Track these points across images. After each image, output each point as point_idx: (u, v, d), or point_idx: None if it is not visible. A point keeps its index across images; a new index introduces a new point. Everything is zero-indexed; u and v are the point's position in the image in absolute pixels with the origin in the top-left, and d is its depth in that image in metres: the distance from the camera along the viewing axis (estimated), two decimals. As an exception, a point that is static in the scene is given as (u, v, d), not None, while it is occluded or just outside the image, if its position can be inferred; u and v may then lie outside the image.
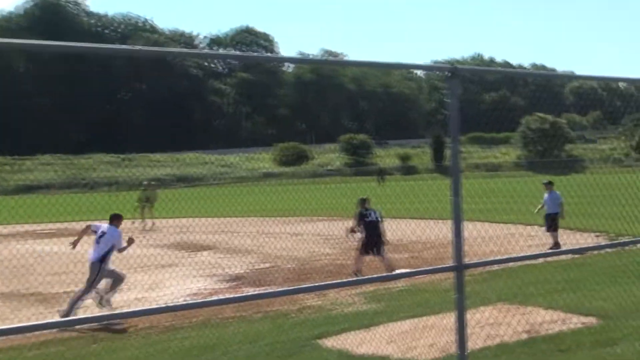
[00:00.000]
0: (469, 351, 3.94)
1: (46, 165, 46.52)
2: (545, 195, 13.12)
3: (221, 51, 49.82)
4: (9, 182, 39.39)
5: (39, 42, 2.83)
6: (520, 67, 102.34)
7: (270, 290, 8.30)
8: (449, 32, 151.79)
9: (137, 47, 3.17)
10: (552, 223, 12.68)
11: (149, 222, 19.27)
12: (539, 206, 13.25)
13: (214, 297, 8.41)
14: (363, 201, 10.98)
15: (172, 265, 11.71)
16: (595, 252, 10.52)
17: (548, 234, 12.79)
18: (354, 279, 8.00)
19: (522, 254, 8.01)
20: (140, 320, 7.43)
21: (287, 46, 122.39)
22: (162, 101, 64.33)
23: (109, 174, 40.21)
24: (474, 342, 5.78)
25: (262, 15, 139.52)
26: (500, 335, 6.44)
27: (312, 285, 4.80)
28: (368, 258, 10.71)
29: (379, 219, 10.84)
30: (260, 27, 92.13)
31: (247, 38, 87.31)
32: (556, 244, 12.46)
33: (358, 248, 10.79)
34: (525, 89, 74.11)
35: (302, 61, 33.59)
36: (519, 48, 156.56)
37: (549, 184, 13.26)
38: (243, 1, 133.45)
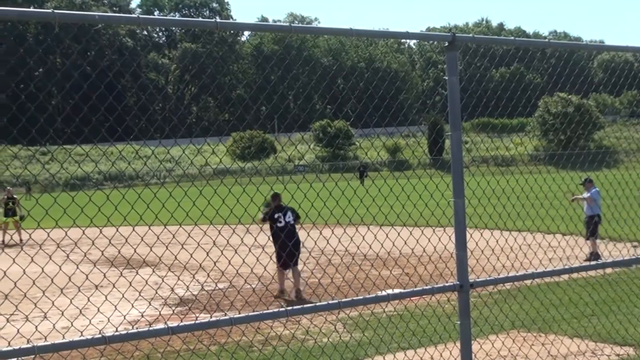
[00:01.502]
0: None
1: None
2: (585, 194, 13.55)
3: (159, 16, 47.68)
4: None
5: None
6: (537, 35, 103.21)
7: (227, 316, 8.33)
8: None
9: (51, 11, 3.12)
10: (592, 227, 13.06)
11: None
12: (578, 197, 13.69)
13: (158, 326, 8.37)
14: (275, 198, 10.98)
15: (103, 287, 11.52)
16: (633, 266, 10.78)
17: (587, 242, 13.17)
18: (332, 302, 8.03)
19: (541, 270, 8.13)
20: (65, 355, 7.37)
21: (246, 11, 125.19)
22: (84, 78, 60.75)
23: (17, 170, 38.29)
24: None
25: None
26: (516, 370, 6.57)
27: (279, 310, 4.80)
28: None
29: (293, 222, 10.94)
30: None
31: (195, 0, 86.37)
32: (594, 255, 12.79)
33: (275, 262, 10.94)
34: (543, 63, 74.88)
35: (262, 28, 32.91)
36: (535, 13, 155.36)
37: (589, 182, 13.66)
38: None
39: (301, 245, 10.85)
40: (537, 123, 54.40)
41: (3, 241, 22.91)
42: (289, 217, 10.96)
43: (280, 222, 10.84)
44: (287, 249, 10.48)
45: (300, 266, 11.59)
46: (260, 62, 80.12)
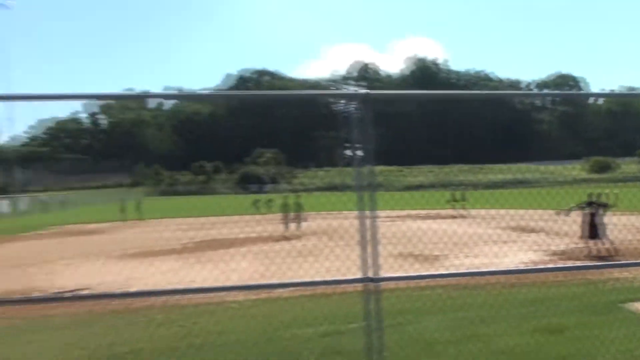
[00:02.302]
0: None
1: (426, 172, 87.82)
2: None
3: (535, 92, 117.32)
4: (401, 183, 78.18)
5: (420, 92, 15.36)
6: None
7: (582, 264, 13.69)
8: None
9: (480, 92, 12.74)
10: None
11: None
12: None
13: (540, 266, 14.78)
14: None
15: (509, 242, 19.41)
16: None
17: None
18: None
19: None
20: (489, 279, 12.79)
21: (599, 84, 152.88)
22: (503, 128, 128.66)
23: (464, 177, 75.36)
24: None
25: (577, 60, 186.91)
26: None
27: (616, 262, 9.67)
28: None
29: None
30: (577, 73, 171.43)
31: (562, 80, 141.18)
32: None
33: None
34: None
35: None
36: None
37: None
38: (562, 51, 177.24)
39: None
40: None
41: None
42: None
43: None
44: None
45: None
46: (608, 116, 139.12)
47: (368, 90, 5.38)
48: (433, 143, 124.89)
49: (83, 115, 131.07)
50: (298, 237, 24.59)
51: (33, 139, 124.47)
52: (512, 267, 15.23)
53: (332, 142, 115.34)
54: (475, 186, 54.74)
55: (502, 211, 28.33)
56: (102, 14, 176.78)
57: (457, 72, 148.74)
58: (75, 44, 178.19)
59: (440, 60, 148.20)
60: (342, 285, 7.29)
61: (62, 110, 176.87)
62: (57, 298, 8.76)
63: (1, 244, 26.81)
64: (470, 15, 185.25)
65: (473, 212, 32.52)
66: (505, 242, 20.38)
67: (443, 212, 32.81)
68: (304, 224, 27.93)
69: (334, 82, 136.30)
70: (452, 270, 14.11)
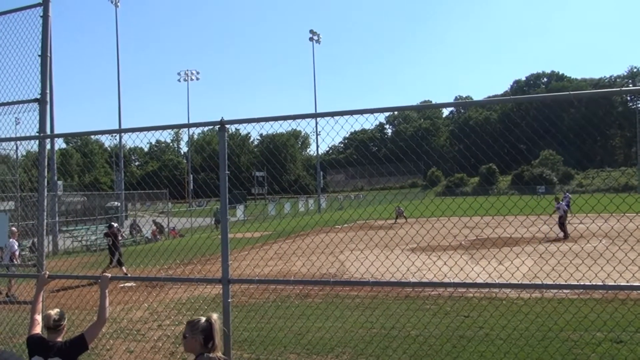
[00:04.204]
0: None
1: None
2: None
3: None
4: None
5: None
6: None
7: None
8: None
9: None
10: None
11: None
12: None
13: None
14: None
15: None
16: None
17: None
18: None
19: None
20: None
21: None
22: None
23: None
24: None
25: None
26: None
27: None
28: None
29: None
30: None
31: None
32: None
33: None
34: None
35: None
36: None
37: None
38: None
39: None
40: None
41: None
42: None
43: None
44: None
45: None
46: None
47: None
48: None
49: (384, 126, 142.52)
50: (574, 239, 23.10)
51: (335, 149, 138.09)
52: None
53: (620, 141, 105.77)
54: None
55: None
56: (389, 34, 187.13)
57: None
58: (371, 60, 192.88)
59: None
60: (625, 292, 6.85)
61: (363, 123, 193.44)
62: (357, 282, 9.84)
63: (315, 234, 29.92)
64: None
65: None
66: None
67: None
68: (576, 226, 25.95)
69: (629, 78, 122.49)
70: None
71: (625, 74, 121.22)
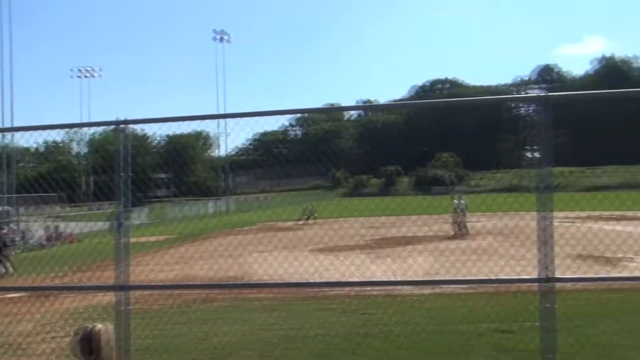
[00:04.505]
0: None
1: (611, 173, 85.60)
2: None
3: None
4: (582, 184, 78.82)
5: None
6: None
7: None
8: None
9: None
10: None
11: None
12: None
13: None
14: None
15: None
16: None
17: None
18: None
19: None
20: None
21: None
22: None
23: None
24: None
25: None
26: None
27: None
28: None
29: None
30: None
31: None
32: None
33: None
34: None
35: None
36: None
37: None
38: None
39: None
40: None
41: None
42: None
43: None
44: None
45: None
46: None
47: (548, 93, 5.35)
48: (618, 144, 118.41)
49: (290, 128, 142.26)
50: (472, 236, 24.13)
51: (243, 150, 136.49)
52: None
53: (511, 145, 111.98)
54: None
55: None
56: (295, 35, 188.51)
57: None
58: (281, 65, 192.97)
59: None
60: (516, 285, 7.24)
61: (270, 125, 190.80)
62: (261, 284, 9.71)
63: (222, 237, 29.50)
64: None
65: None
66: None
67: (629, 213, 29.78)
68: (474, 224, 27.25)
69: (515, 86, 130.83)
70: (637, 274, 13.24)
71: (511, 82, 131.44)
